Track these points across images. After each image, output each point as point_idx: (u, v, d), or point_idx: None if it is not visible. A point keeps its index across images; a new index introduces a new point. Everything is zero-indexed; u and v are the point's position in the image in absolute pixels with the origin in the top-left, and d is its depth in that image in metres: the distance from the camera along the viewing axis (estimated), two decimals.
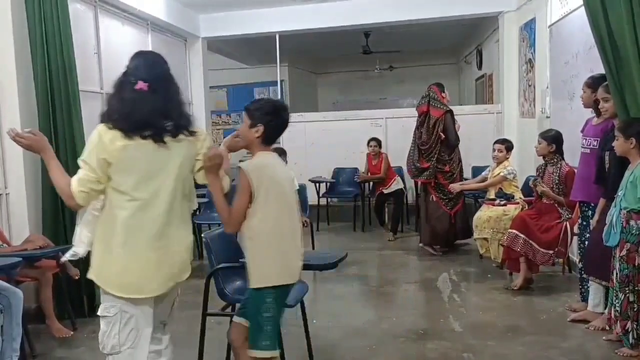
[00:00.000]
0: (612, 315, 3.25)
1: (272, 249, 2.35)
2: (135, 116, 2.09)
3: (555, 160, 4.40)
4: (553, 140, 4.39)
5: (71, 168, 4.05)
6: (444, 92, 5.87)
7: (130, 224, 2.09)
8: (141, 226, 2.10)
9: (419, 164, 5.87)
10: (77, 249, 2.18)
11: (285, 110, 2.47)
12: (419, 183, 7.09)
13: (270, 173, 2.37)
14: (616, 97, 3.32)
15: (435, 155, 5.74)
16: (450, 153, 5.78)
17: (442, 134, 5.71)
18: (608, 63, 3.29)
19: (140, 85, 2.15)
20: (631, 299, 3.11)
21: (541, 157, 4.51)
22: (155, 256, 2.12)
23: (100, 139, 2.08)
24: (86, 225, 2.17)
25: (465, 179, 6.06)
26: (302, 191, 5.62)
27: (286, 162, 5.43)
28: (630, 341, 3.14)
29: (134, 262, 2.10)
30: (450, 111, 5.79)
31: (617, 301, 3.19)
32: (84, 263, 4.04)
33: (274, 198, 2.33)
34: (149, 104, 2.12)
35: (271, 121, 2.39)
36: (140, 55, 2.31)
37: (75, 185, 2.07)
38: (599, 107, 3.60)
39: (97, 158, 2.07)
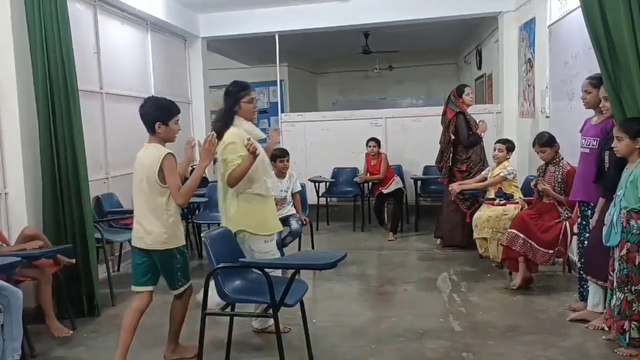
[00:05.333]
0: (611, 315, 3.26)
1: None
2: None
3: (557, 159, 4.41)
4: (554, 142, 4.40)
5: (70, 167, 4.08)
6: (462, 95, 5.91)
7: None
8: None
9: (437, 165, 6.10)
10: None
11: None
12: (419, 183, 7.16)
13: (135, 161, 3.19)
14: (613, 96, 3.30)
15: (449, 155, 5.90)
16: (467, 152, 5.85)
17: (452, 134, 5.82)
18: (604, 62, 3.26)
19: None
20: (629, 298, 3.11)
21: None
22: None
23: None
24: None
25: None
26: (302, 191, 5.62)
27: (287, 162, 5.43)
28: (627, 340, 3.14)
29: None
30: (462, 112, 5.83)
31: (615, 301, 3.19)
32: (82, 257, 4.10)
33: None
34: None
35: None
36: None
37: None
38: (600, 105, 3.58)
39: None
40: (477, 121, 5.93)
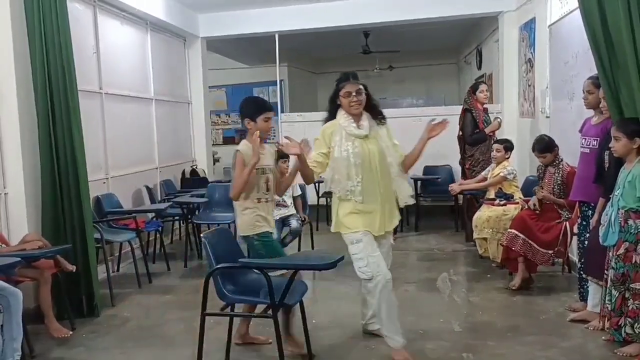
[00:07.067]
0: (605, 312, 3.30)
1: None
2: None
3: (557, 161, 4.40)
4: (554, 146, 4.39)
5: (69, 167, 4.08)
6: (476, 91, 5.97)
7: None
8: None
9: (460, 164, 6.22)
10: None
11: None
12: (419, 183, 7.14)
13: None
14: (609, 97, 3.29)
15: (462, 152, 6.03)
16: (472, 149, 5.90)
17: (461, 131, 5.92)
18: (602, 62, 3.25)
19: None
20: (626, 296, 3.14)
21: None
22: None
23: None
24: None
25: None
26: (302, 194, 5.61)
27: (287, 165, 5.41)
28: (623, 335, 3.17)
29: None
30: (469, 110, 5.89)
31: (610, 298, 3.22)
32: (82, 258, 4.09)
33: None
34: None
35: None
36: None
37: None
38: (601, 106, 3.58)
39: None
40: (493, 119, 5.96)
